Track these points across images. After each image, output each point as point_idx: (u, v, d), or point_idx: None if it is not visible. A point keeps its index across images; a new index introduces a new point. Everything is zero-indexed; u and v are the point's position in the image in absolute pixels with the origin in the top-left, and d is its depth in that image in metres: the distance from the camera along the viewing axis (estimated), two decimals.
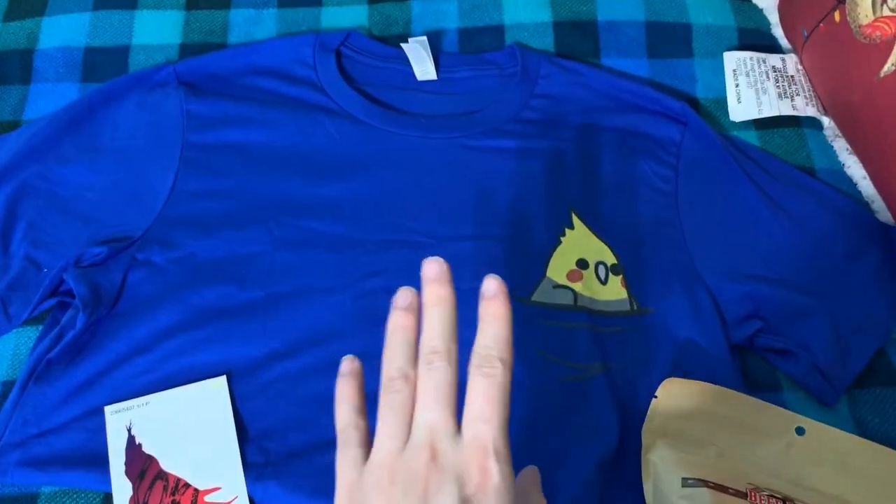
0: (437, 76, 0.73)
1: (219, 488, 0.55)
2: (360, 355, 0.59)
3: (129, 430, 0.56)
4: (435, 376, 0.39)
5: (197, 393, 0.57)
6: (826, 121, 0.73)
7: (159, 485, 0.55)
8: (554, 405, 0.58)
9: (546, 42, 0.76)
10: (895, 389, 0.60)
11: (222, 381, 0.58)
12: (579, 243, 0.65)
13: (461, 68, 0.74)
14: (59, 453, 0.56)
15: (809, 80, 0.74)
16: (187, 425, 0.56)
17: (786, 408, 0.58)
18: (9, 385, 0.59)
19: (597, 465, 0.56)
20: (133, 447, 0.56)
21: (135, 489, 0.54)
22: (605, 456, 0.56)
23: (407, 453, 0.37)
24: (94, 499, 0.56)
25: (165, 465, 0.55)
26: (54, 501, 0.56)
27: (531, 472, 0.43)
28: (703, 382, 0.55)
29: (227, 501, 0.54)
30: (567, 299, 0.63)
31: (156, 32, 0.76)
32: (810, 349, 0.60)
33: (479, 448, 0.36)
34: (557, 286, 0.63)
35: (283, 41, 0.74)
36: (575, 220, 0.66)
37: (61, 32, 0.76)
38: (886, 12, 0.63)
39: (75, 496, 0.56)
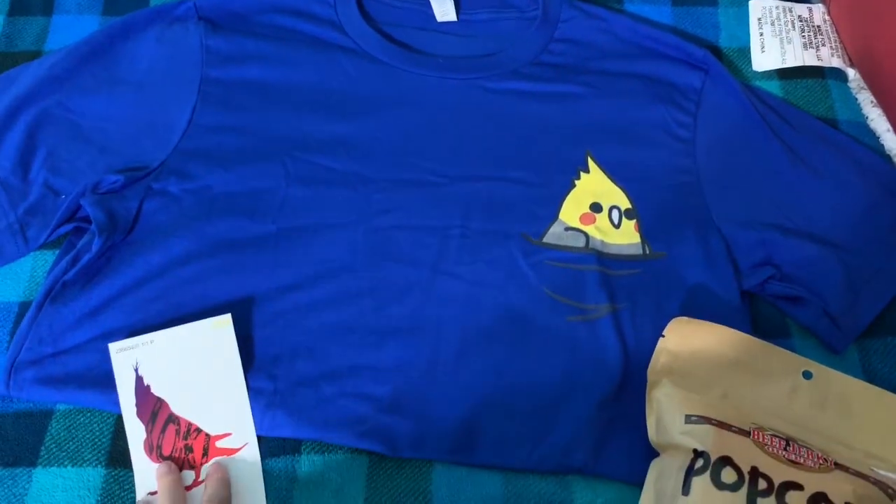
0: (458, 18, 0.73)
1: (229, 434, 0.55)
2: (369, 290, 0.61)
3: (136, 370, 0.56)
4: None
5: (201, 331, 0.57)
6: (851, 72, 0.71)
7: (171, 428, 0.56)
8: (559, 342, 0.58)
9: None
10: None
11: (227, 319, 0.57)
12: (594, 187, 0.65)
13: (481, 10, 0.73)
14: (73, 372, 0.57)
15: (837, 30, 0.72)
16: (194, 365, 0.56)
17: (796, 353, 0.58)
18: (26, 306, 0.60)
19: (598, 402, 0.56)
20: (142, 388, 0.56)
21: (148, 432, 0.55)
22: (607, 393, 0.57)
23: None
24: (108, 419, 0.57)
25: (176, 409, 0.56)
26: (68, 419, 0.57)
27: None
28: (711, 323, 0.55)
29: (238, 447, 0.55)
30: (578, 242, 0.62)
31: None
32: (822, 296, 0.60)
33: None
34: (569, 228, 0.63)
35: None
36: (591, 163, 0.66)
37: None
38: None
39: (89, 415, 0.57)
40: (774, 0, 0.74)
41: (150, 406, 0.56)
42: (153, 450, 0.55)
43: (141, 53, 0.69)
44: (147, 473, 0.55)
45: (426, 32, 0.72)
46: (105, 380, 0.57)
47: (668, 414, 0.53)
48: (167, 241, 0.62)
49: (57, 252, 0.62)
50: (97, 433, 0.56)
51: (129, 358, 0.57)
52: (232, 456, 0.55)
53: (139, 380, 0.56)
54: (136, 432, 0.55)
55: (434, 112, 0.68)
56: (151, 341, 0.57)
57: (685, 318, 0.55)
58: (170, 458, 0.55)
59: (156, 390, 0.56)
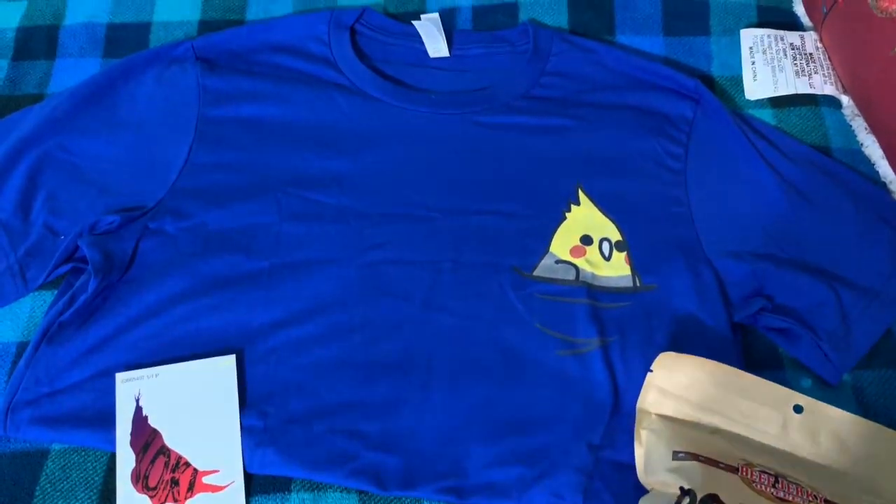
0: (450, 53, 0.73)
1: (217, 471, 0.56)
2: (360, 325, 0.61)
3: (137, 401, 0.58)
4: None
5: (205, 369, 0.59)
6: (845, 99, 0.71)
7: (161, 460, 0.56)
8: (549, 377, 0.58)
9: (560, 19, 0.76)
10: None
11: (231, 360, 0.59)
12: (585, 219, 0.65)
13: (473, 46, 0.74)
14: (69, 412, 0.58)
15: (829, 57, 0.72)
16: (193, 401, 0.58)
17: (788, 387, 0.57)
18: (24, 346, 0.61)
19: (588, 439, 0.56)
20: (140, 418, 0.57)
21: (137, 461, 0.56)
22: (597, 430, 0.56)
23: None
24: (101, 457, 0.58)
25: (169, 441, 0.57)
26: (64, 458, 0.58)
27: None
28: (700, 357, 0.55)
29: (224, 485, 0.56)
30: (569, 275, 0.63)
31: (176, 9, 0.78)
32: (815, 328, 0.59)
33: None
34: (560, 261, 0.63)
35: (299, 18, 0.75)
36: (581, 196, 0.66)
37: (85, 9, 0.78)
38: None
39: (84, 454, 0.58)
40: (766, 28, 0.74)
41: (145, 436, 0.57)
42: (140, 479, 0.56)
43: (140, 94, 0.71)
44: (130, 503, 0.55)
45: (419, 68, 0.73)
46: (100, 418, 0.58)
47: (656, 450, 0.52)
48: (162, 279, 0.63)
49: (55, 292, 0.63)
50: (90, 472, 0.57)
51: (132, 388, 0.58)
52: (217, 493, 0.55)
53: (138, 410, 0.58)
54: (125, 461, 0.56)
55: (426, 147, 0.68)
56: (156, 374, 0.59)
57: (673, 353, 0.55)
58: (155, 489, 0.55)
59: (152, 421, 0.57)
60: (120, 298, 0.62)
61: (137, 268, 0.63)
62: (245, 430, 0.57)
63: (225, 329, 0.61)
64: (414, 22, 0.72)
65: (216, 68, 0.72)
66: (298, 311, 0.61)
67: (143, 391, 0.58)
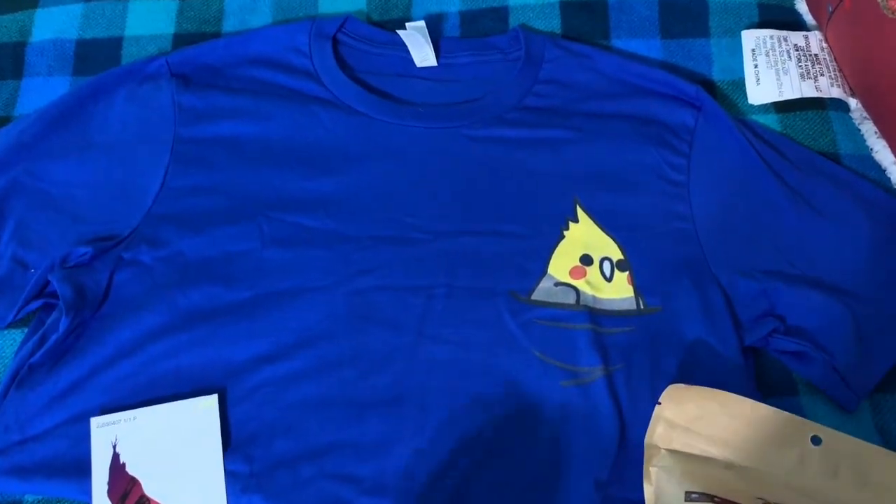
0: (438, 62, 0.70)
1: None
2: (350, 358, 0.58)
3: (114, 447, 0.54)
4: None
5: (186, 411, 0.55)
6: (853, 102, 0.68)
7: None
8: (550, 409, 0.55)
9: (553, 24, 0.73)
10: None
11: (213, 400, 0.56)
12: (584, 238, 0.62)
13: (462, 53, 0.70)
14: (42, 461, 0.55)
15: (835, 58, 0.69)
16: (173, 445, 0.54)
17: (802, 413, 0.55)
18: None
19: (595, 476, 0.53)
20: (117, 466, 0.54)
21: None
22: (603, 466, 0.53)
23: None
24: None
25: (149, 490, 0.53)
26: None
27: None
28: (710, 388, 0.51)
29: None
30: (569, 298, 0.59)
31: (149, 23, 0.74)
32: (829, 351, 0.56)
33: None
34: (559, 284, 0.60)
35: (278, 29, 0.72)
36: (580, 212, 0.63)
37: (53, 25, 0.74)
38: None
39: None
40: (768, 29, 0.70)
41: (123, 485, 0.54)
42: None
43: (112, 115, 0.67)
44: None
45: (406, 79, 0.70)
46: (75, 467, 0.54)
47: (667, 490, 0.49)
48: (138, 315, 0.59)
49: (25, 331, 0.60)
50: None
51: (108, 434, 0.55)
52: None
53: (115, 457, 0.55)
54: None
55: (415, 164, 0.65)
56: (134, 418, 0.55)
57: (682, 385, 0.52)
58: None
59: (131, 469, 0.54)
60: (93, 337, 0.58)
61: (111, 303, 0.60)
62: (229, 474, 0.54)
63: (206, 366, 0.57)
64: (399, 31, 0.68)
65: (192, 85, 0.68)
66: (283, 345, 0.58)
67: (119, 436, 0.55)
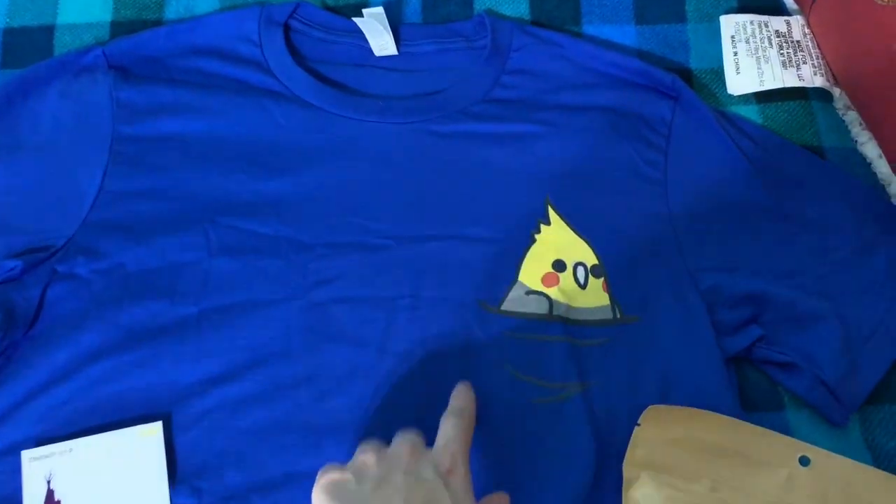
0: (398, 51, 0.65)
1: None
2: (306, 378, 0.54)
3: (48, 482, 0.50)
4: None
5: (128, 440, 0.51)
6: (837, 92, 0.64)
7: None
8: (524, 430, 0.52)
9: (520, 9, 0.68)
10: None
11: (157, 427, 0.51)
12: (556, 241, 0.58)
13: (424, 41, 0.66)
14: None
15: (818, 45, 0.65)
16: (115, 480, 0.50)
17: (789, 429, 0.52)
18: None
19: (570, 499, 0.50)
20: (52, 503, 0.49)
21: None
22: (579, 490, 0.50)
23: (390, 448, 0.45)
24: None
25: None
26: None
27: (501, 496, 0.47)
28: (692, 408, 0.48)
29: None
30: (541, 308, 0.55)
31: (84, 9, 0.68)
32: (816, 361, 0.53)
33: (448, 448, 0.45)
34: (531, 292, 0.56)
35: (224, 16, 0.66)
36: (552, 214, 0.59)
37: None
38: None
39: None
40: (748, 14, 0.67)
41: None
42: None
43: (43, 112, 0.62)
44: None
45: (364, 69, 0.65)
46: None
47: None
48: (75, 334, 0.54)
49: None
50: None
51: (42, 468, 0.51)
52: None
53: (50, 494, 0.50)
54: None
55: (375, 163, 0.60)
56: (70, 450, 0.51)
57: (662, 406, 0.49)
58: None
59: None
60: (24, 360, 0.54)
61: (44, 321, 0.55)
62: None
63: (149, 390, 0.53)
64: (356, 20, 0.63)
65: (132, 78, 0.62)
66: (234, 365, 0.54)
67: (54, 470, 0.50)
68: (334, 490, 0.43)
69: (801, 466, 0.48)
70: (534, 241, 0.58)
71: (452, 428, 0.46)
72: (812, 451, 0.48)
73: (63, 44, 0.67)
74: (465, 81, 0.63)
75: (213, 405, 0.53)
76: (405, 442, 0.45)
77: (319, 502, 0.43)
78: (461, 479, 0.43)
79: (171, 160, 0.60)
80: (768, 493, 0.48)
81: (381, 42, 0.65)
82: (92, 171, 0.60)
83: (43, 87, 0.62)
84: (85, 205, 0.59)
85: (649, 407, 0.49)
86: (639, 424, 0.49)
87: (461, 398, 0.49)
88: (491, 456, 0.52)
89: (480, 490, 0.49)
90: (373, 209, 0.59)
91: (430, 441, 0.48)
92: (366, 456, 0.44)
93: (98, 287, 0.56)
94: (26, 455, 0.50)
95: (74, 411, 0.52)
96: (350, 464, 0.45)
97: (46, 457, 0.50)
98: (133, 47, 0.64)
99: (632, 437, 0.49)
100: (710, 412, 0.48)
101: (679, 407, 0.49)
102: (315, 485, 0.44)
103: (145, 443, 0.51)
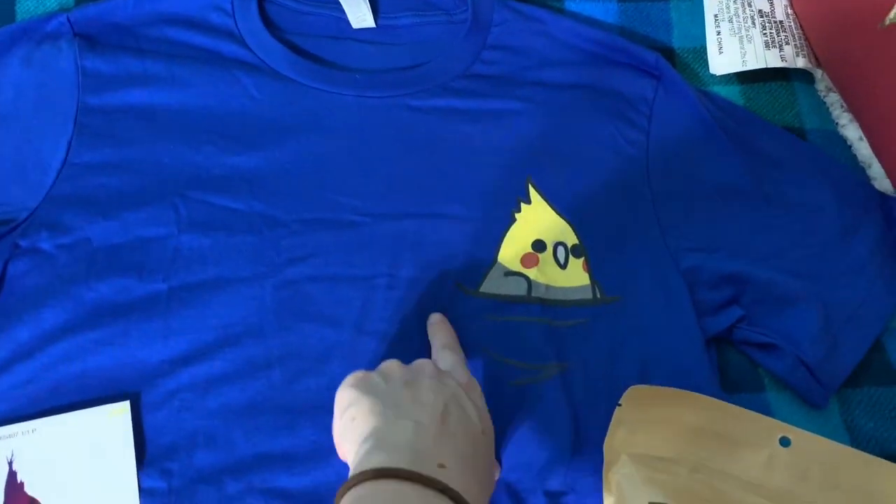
0: (376, 23, 0.63)
1: None
2: (279, 358, 0.52)
3: (10, 464, 0.48)
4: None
5: (94, 420, 0.49)
6: (819, 73, 0.64)
7: None
8: (501, 411, 0.51)
9: None
10: (892, 389, 0.53)
11: (125, 407, 0.50)
12: (536, 221, 0.57)
13: (403, 14, 0.64)
14: None
15: (801, 26, 0.65)
16: (80, 461, 0.48)
17: (769, 410, 0.52)
18: None
19: (545, 484, 0.49)
20: (14, 485, 0.48)
21: None
22: (555, 474, 0.49)
23: (412, 363, 0.47)
24: None
25: None
26: None
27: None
28: (673, 389, 0.48)
29: None
30: (520, 289, 0.54)
31: None
32: (797, 342, 0.53)
33: (462, 365, 0.47)
34: (509, 273, 0.55)
35: None
36: (532, 193, 0.58)
37: None
38: None
39: None
40: None
41: None
42: None
43: (4, 81, 0.59)
44: None
45: (341, 42, 0.63)
46: None
47: (629, 499, 0.46)
48: (38, 311, 0.52)
49: None
50: None
51: (3, 448, 0.49)
52: None
53: (12, 475, 0.49)
54: None
55: (352, 138, 0.59)
56: (33, 430, 0.49)
57: (644, 386, 0.48)
58: None
59: (30, 489, 0.48)
60: None
61: (6, 297, 0.53)
62: (145, 492, 0.48)
63: (116, 369, 0.51)
64: None
65: (98, 46, 0.60)
66: (204, 345, 0.52)
67: (16, 451, 0.49)
68: (364, 385, 0.44)
69: (781, 447, 0.47)
70: (514, 220, 0.57)
71: (451, 357, 0.47)
72: (792, 432, 0.48)
73: (26, 10, 0.65)
74: (445, 56, 0.62)
75: (183, 385, 0.51)
76: (425, 360, 0.46)
77: (348, 396, 0.44)
78: (478, 394, 0.45)
79: (140, 132, 0.58)
80: (749, 473, 0.47)
81: (359, 14, 0.63)
82: (56, 143, 0.57)
83: (4, 55, 0.60)
84: (48, 177, 0.56)
85: (630, 387, 0.48)
86: (620, 405, 0.48)
87: (445, 333, 0.50)
88: None
89: None
90: (349, 185, 0.57)
91: None
92: (392, 364, 0.46)
93: (62, 262, 0.54)
94: None
95: (38, 391, 0.51)
96: (376, 370, 0.46)
97: (8, 437, 0.49)
98: (100, 14, 0.61)
99: (613, 418, 0.48)
100: (692, 393, 0.48)
101: (660, 387, 0.48)
102: (341, 385, 0.45)
103: (113, 423, 0.49)
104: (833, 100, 0.64)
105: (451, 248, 0.56)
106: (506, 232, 0.56)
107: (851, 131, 0.62)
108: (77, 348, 0.52)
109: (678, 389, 0.48)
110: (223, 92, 0.60)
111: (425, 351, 0.51)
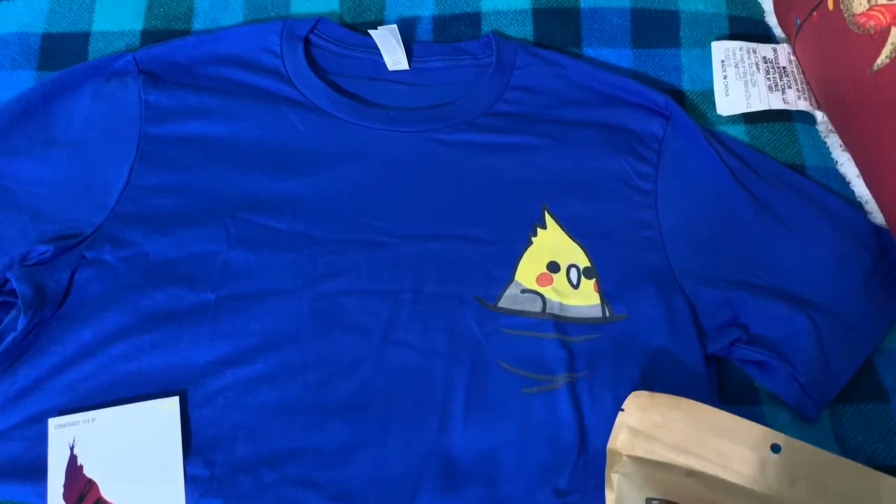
0: (410, 66, 0.70)
1: None
2: (314, 363, 0.57)
3: (71, 448, 0.53)
4: None
5: (146, 413, 0.54)
6: (819, 115, 0.69)
7: None
8: (512, 418, 0.55)
9: (525, 31, 0.73)
10: (881, 405, 0.57)
11: (174, 402, 0.55)
12: (551, 244, 0.62)
13: (434, 58, 0.70)
14: None
15: (802, 71, 0.70)
16: (133, 448, 0.53)
17: (764, 422, 0.55)
18: None
19: (553, 484, 0.53)
20: (74, 468, 0.53)
21: None
22: (562, 474, 0.54)
23: None
24: None
25: (106, 492, 0.52)
26: None
27: None
28: (673, 396, 0.52)
29: None
30: (535, 306, 0.59)
31: (117, 18, 0.73)
32: (791, 362, 0.57)
33: None
34: (526, 291, 0.60)
35: (249, 28, 0.71)
36: (548, 219, 0.63)
37: (18, 17, 0.73)
38: (882, 0, 0.59)
39: None
40: (738, 41, 0.71)
41: (79, 488, 0.53)
42: None
43: (77, 111, 0.66)
44: None
45: (377, 82, 0.69)
46: (30, 469, 0.53)
47: (629, 496, 0.50)
48: (100, 315, 0.58)
49: None
50: None
51: (66, 435, 0.54)
52: None
53: (73, 459, 0.54)
54: None
55: (385, 167, 0.65)
56: (93, 419, 0.54)
57: (646, 392, 0.52)
58: None
59: (88, 471, 0.53)
60: (53, 336, 0.57)
61: (72, 302, 0.59)
62: (189, 479, 0.53)
63: (168, 368, 0.57)
64: (371, 31, 0.68)
65: (160, 82, 0.67)
66: (247, 349, 0.57)
67: (77, 437, 0.54)
68: None
69: (772, 454, 0.51)
70: (530, 243, 0.62)
71: None
72: (783, 439, 0.51)
73: (97, 50, 0.72)
74: (471, 95, 0.68)
75: (227, 384, 0.56)
76: None
77: None
78: None
79: (194, 159, 0.64)
80: (741, 476, 0.51)
81: (395, 57, 0.69)
82: (120, 167, 0.64)
83: (77, 88, 0.67)
84: (112, 197, 0.63)
85: (633, 393, 0.52)
86: (623, 410, 0.52)
87: None
88: (479, 441, 0.55)
89: (466, 469, 0.53)
90: (380, 210, 0.63)
91: (429, 430, 0.53)
92: None
93: (122, 273, 0.60)
94: (52, 422, 0.54)
95: (97, 386, 0.56)
96: None
97: (71, 424, 0.54)
98: (162, 54, 0.68)
99: (616, 422, 0.52)
100: (690, 400, 0.51)
101: (660, 394, 0.52)
102: None
103: (163, 415, 0.54)
104: (833, 141, 0.68)
105: (472, 266, 0.60)
106: (523, 253, 0.61)
107: (850, 169, 0.67)
108: (133, 349, 0.57)
109: (678, 397, 0.52)
110: (271, 125, 0.66)
111: (444, 360, 0.56)
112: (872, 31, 0.59)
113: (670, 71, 0.71)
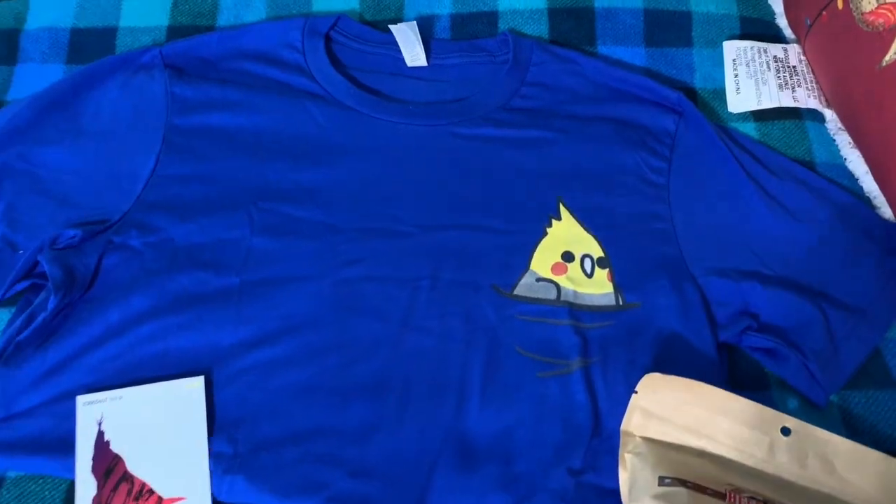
0: (428, 62, 0.71)
1: (183, 499, 0.53)
2: (335, 346, 0.59)
3: (99, 425, 0.55)
4: None
5: (172, 391, 0.56)
6: (829, 113, 0.70)
7: (124, 487, 0.53)
8: (527, 400, 0.57)
9: (541, 29, 0.75)
10: (889, 392, 0.58)
11: (199, 381, 0.56)
12: (566, 235, 0.63)
13: (452, 55, 0.72)
14: (26, 438, 0.55)
15: (812, 70, 0.71)
16: (158, 425, 0.55)
17: (774, 407, 0.56)
18: None
19: (568, 463, 0.55)
20: (101, 443, 0.54)
21: (99, 488, 0.53)
22: (576, 454, 0.55)
23: None
24: (60, 485, 0.55)
25: (132, 467, 0.54)
26: (19, 486, 0.55)
27: None
28: (686, 378, 0.53)
29: None
30: (550, 294, 0.61)
31: (143, 14, 0.75)
32: (801, 349, 0.58)
33: None
34: (541, 279, 0.61)
35: (271, 25, 0.73)
36: (563, 210, 0.64)
37: (48, 13, 0.75)
38: None
39: (41, 482, 0.55)
40: (749, 41, 0.73)
41: (106, 462, 0.54)
42: None
43: (105, 102, 0.68)
44: None
45: (396, 78, 0.71)
46: (59, 444, 0.55)
47: (641, 475, 0.51)
48: (127, 297, 0.60)
49: (13, 310, 0.60)
50: (48, 501, 0.54)
51: (94, 411, 0.56)
52: None
53: (100, 434, 0.55)
54: (86, 489, 0.53)
55: (403, 159, 0.66)
56: (120, 397, 0.56)
57: (658, 374, 0.53)
58: None
59: (114, 447, 0.55)
60: (81, 317, 0.59)
61: (100, 285, 0.60)
62: (214, 456, 0.55)
63: (193, 350, 0.58)
64: (391, 27, 0.70)
65: (185, 76, 0.69)
66: (270, 331, 0.59)
67: (105, 414, 0.55)
68: None
69: (782, 436, 0.52)
70: (545, 234, 0.63)
71: None
72: (793, 422, 0.52)
73: (124, 44, 0.74)
74: (488, 91, 0.69)
75: (250, 366, 0.58)
76: None
77: None
78: None
79: (219, 150, 0.66)
80: (752, 458, 0.52)
81: (413, 53, 0.71)
82: (146, 156, 0.66)
83: (105, 80, 0.69)
84: (139, 185, 0.64)
85: (646, 375, 0.53)
86: (636, 392, 0.54)
87: None
88: (494, 422, 0.56)
89: (482, 448, 0.54)
90: (399, 200, 0.64)
91: (446, 411, 0.54)
92: None
93: (149, 257, 0.62)
94: (81, 399, 0.55)
95: (124, 365, 0.58)
96: None
97: (99, 402, 0.55)
98: (187, 49, 0.70)
99: (629, 404, 0.53)
100: (702, 383, 0.53)
101: (673, 377, 0.53)
102: None
103: (188, 394, 0.56)
104: (842, 138, 0.70)
105: (489, 255, 0.62)
106: (538, 243, 0.63)
107: (859, 166, 0.68)
108: (160, 330, 0.59)
109: (690, 380, 0.53)
110: (292, 118, 0.68)
111: (461, 345, 0.58)
112: (881, 29, 0.61)
113: (682, 69, 0.73)
